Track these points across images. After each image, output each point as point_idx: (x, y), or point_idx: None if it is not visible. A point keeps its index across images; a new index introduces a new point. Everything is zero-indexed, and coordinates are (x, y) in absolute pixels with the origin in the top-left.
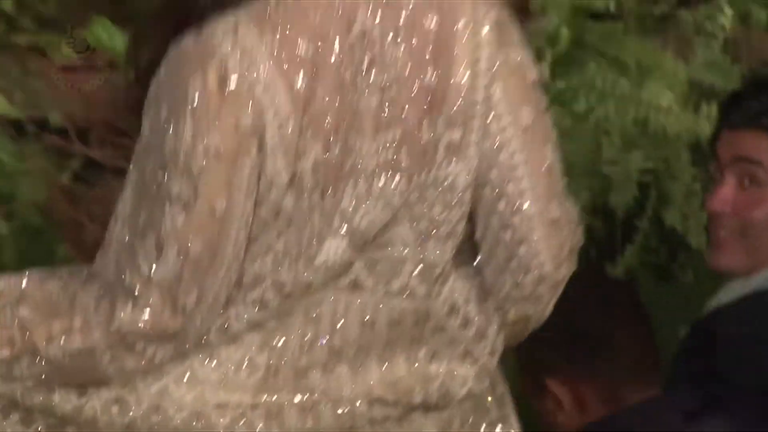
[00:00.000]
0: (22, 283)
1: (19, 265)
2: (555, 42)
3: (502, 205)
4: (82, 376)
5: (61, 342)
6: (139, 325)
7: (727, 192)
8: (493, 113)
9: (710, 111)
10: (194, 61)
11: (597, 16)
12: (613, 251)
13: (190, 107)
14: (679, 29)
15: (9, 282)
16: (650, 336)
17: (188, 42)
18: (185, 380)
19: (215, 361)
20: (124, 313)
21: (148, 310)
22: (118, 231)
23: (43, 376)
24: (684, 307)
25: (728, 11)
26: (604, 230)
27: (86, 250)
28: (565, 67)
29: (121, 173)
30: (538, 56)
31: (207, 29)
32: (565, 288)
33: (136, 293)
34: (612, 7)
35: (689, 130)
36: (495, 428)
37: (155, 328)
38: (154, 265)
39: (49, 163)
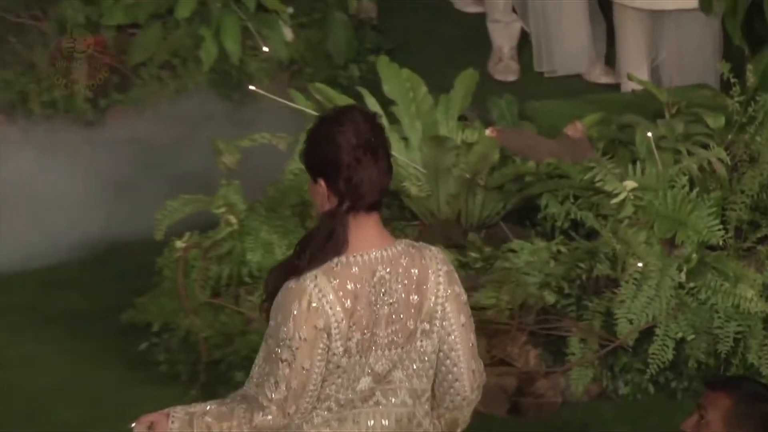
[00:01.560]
0: (207, 406)
1: None
2: (689, 261)
3: (448, 363)
4: None
5: None
6: (266, 423)
7: None
8: (446, 318)
9: None
10: (294, 293)
11: (712, 247)
12: (717, 374)
13: (292, 316)
14: (758, 255)
15: (202, 405)
16: None
17: (291, 283)
18: None
19: None
20: (257, 418)
21: (270, 415)
22: (256, 376)
23: None
24: None
25: None
26: (714, 364)
27: None
28: (694, 275)
29: None
30: (679, 268)
31: (302, 278)
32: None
33: (264, 407)
34: (720, 242)
35: (763, 310)
36: None
37: (274, 424)
38: (273, 393)
39: None
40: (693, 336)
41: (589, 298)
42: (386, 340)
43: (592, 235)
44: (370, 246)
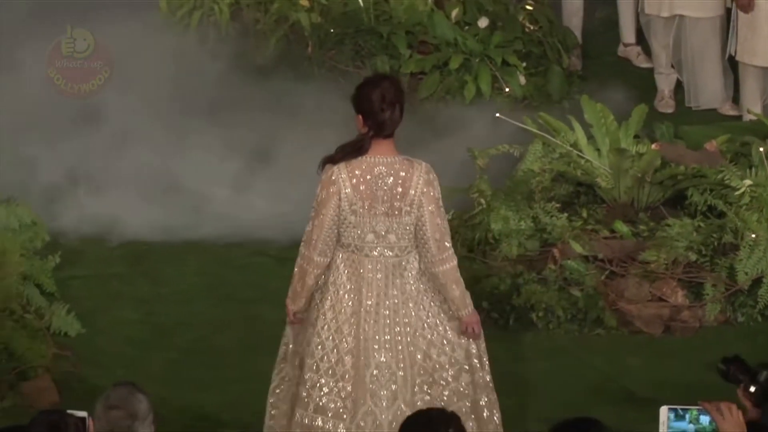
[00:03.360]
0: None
1: None
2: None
3: (420, 233)
4: (319, 280)
5: (309, 277)
6: (307, 251)
7: None
8: (421, 206)
9: None
10: (326, 171)
11: None
12: None
13: (322, 184)
14: None
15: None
16: None
17: (327, 167)
18: (344, 281)
19: (342, 273)
20: (308, 252)
21: (307, 244)
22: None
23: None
24: None
25: None
26: None
27: None
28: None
29: None
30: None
31: (334, 166)
32: None
33: (303, 240)
34: None
35: None
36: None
37: (317, 252)
38: (308, 227)
39: None
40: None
41: (718, 257)
42: (382, 211)
43: (721, 215)
44: (379, 154)
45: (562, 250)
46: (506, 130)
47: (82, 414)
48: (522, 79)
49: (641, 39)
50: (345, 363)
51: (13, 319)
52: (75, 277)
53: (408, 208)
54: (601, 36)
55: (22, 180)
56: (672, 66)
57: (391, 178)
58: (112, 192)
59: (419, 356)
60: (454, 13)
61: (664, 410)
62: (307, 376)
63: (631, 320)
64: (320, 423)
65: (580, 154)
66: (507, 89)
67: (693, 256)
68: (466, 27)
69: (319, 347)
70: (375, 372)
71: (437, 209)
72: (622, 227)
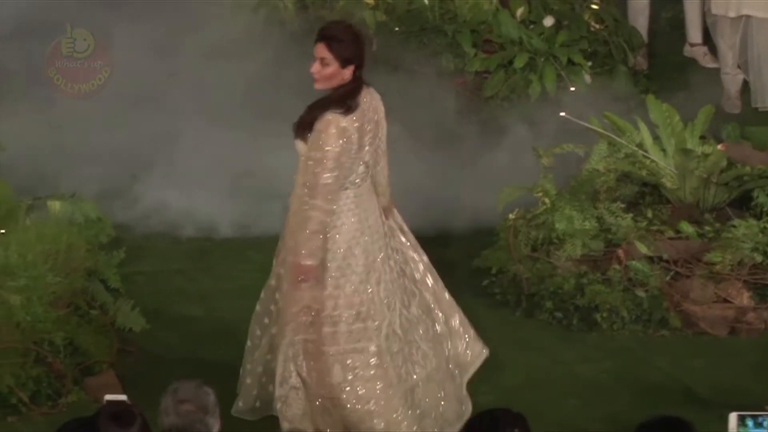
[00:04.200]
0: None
1: None
2: None
3: (380, 149)
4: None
5: (324, 227)
6: (320, 203)
7: None
8: (383, 126)
9: None
10: (339, 122)
11: None
12: None
13: (336, 135)
14: None
15: None
16: None
17: (328, 115)
18: (346, 216)
19: (350, 210)
20: (326, 204)
21: (331, 200)
22: (307, 182)
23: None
24: None
25: None
26: None
27: None
28: None
29: None
30: None
31: (342, 118)
32: None
33: (329, 195)
34: None
35: None
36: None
37: (333, 202)
38: (322, 179)
39: None
40: None
41: None
42: (368, 143)
43: None
44: (361, 94)
45: (627, 251)
46: (571, 129)
47: (122, 397)
48: (587, 79)
49: (708, 39)
50: (360, 291)
51: (78, 315)
52: (139, 272)
53: (382, 136)
54: (667, 35)
55: (87, 175)
56: (738, 66)
57: (370, 110)
58: (177, 188)
59: (409, 257)
60: (520, 11)
61: (733, 416)
62: (335, 313)
63: (696, 321)
64: (356, 347)
65: (645, 154)
66: (572, 88)
67: (759, 258)
68: (531, 26)
69: (331, 285)
70: (389, 284)
71: (384, 137)
72: (687, 228)
